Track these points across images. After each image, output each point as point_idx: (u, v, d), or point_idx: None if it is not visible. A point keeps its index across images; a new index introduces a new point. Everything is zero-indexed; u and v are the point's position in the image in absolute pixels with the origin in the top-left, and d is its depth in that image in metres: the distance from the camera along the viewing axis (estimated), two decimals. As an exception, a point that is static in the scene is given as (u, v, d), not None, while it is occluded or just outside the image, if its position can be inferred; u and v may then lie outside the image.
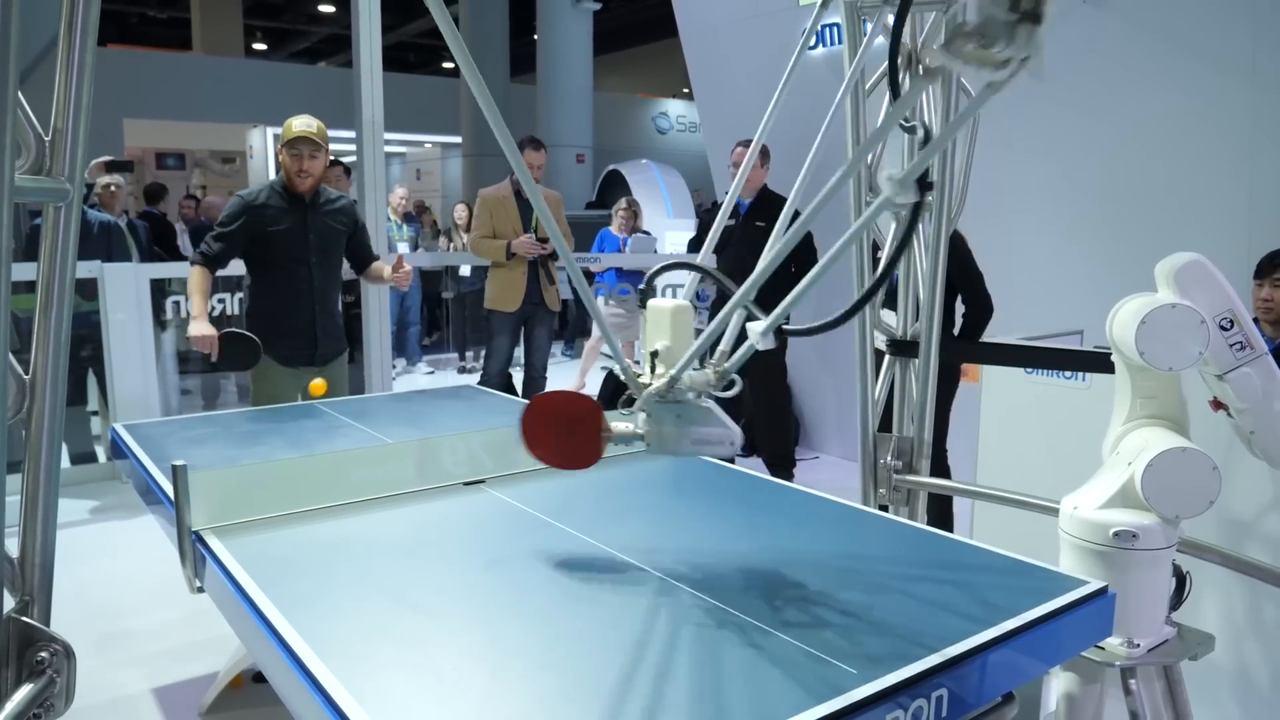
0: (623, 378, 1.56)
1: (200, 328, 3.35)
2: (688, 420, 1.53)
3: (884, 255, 2.62)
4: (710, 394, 1.52)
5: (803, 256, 4.61)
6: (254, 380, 3.64)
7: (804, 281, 1.28)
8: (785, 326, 1.38)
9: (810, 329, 1.45)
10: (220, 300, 5.55)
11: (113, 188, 5.67)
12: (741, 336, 1.47)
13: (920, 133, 1.78)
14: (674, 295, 5.72)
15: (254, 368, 3.52)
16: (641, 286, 1.63)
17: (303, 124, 3.57)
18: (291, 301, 3.59)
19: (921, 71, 2.16)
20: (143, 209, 9.17)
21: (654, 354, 1.55)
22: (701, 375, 1.51)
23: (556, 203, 5.48)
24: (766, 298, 1.36)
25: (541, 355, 5.50)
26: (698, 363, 1.51)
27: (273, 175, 4.23)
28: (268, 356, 3.54)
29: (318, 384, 3.46)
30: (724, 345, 1.55)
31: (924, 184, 1.20)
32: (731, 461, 4.57)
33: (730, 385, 1.50)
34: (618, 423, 1.62)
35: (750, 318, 1.40)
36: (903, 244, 2.15)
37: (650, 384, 1.54)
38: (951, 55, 1.00)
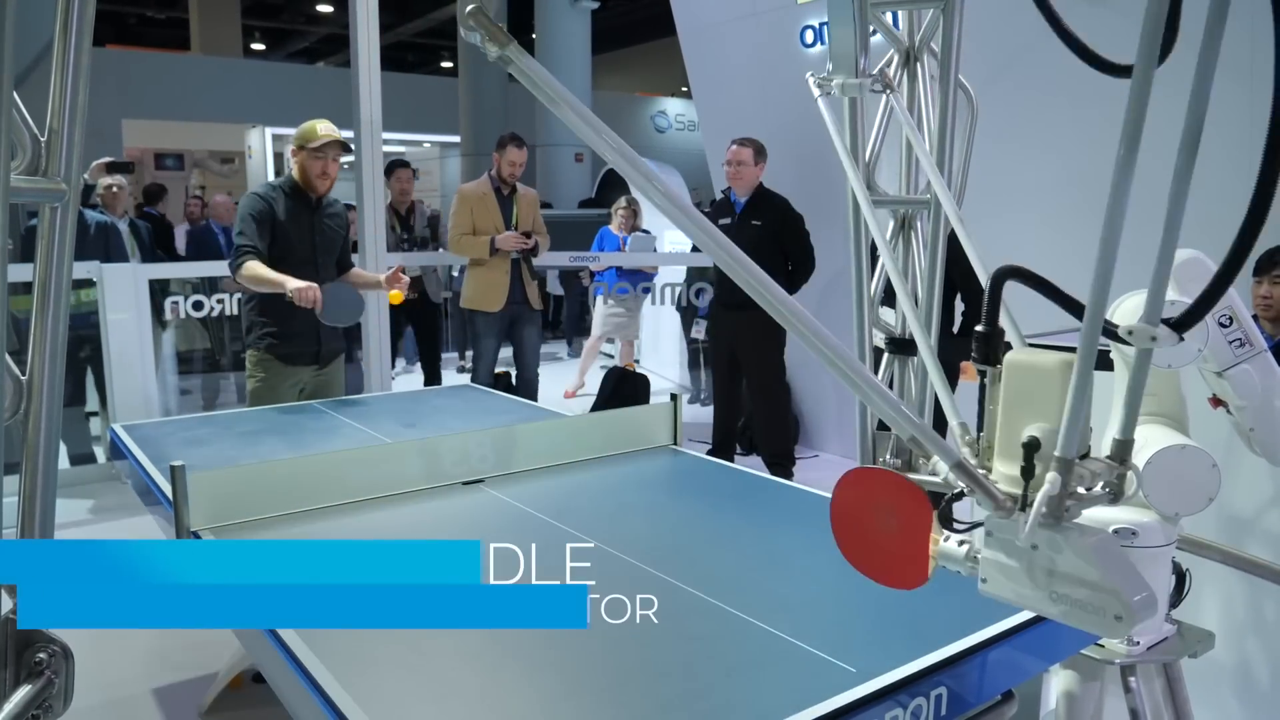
0: (962, 483, 1.03)
1: (297, 282, 3.30)
2: (1078, 563, 0.98)
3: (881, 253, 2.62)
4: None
5: (798, 253, 4.62)
6: (251, 379, 3.61)
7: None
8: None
9: None
10: (219, 300, 5.54)
11: (115, 188, 5.67)
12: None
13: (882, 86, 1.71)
14: (673, 295, 5.67)
15: (354, 323, 3.52)
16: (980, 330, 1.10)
17: (328, 128, 3.57)
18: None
19: (920, 69, 2.16)
20: (143, 210, 9.15)
21: (1031, 445, 1.00)
22: (1093, 467, 1.01)
23: (534, 200, 5.45)
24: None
25: (532, 355, 5.45)
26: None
27: (272, 176, 4.20)
28: (270, 355, 3.53)
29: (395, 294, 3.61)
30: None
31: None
32: (731, 459, 4.57)
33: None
34: (950, 542, 1.12)
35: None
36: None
37: (1015, 495, 1.01)
38: None
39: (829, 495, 1.12)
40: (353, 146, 3.64)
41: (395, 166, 6.82)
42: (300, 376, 3.62)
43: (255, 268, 3.41)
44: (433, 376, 6.65)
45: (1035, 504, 0.98)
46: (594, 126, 0.99)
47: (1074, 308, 1.02)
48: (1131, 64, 1.02)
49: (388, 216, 6.55)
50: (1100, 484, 1.02)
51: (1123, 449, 1.03)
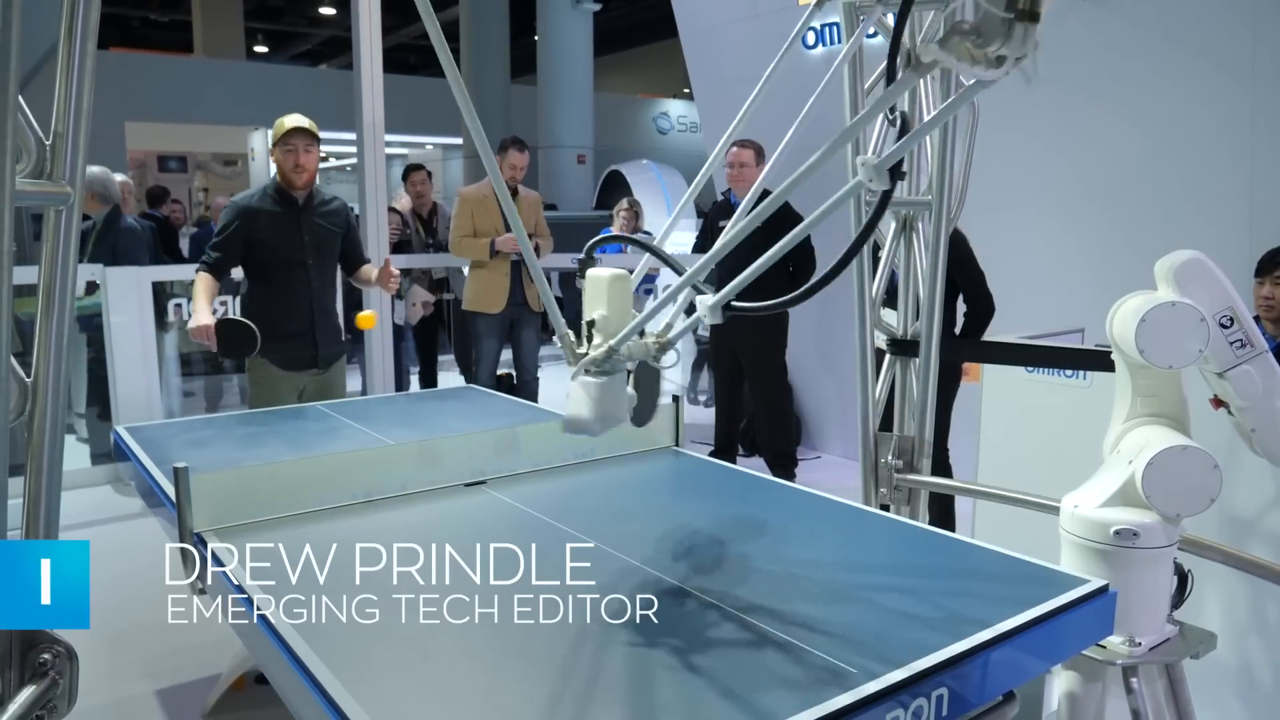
0: (559, 346, 1.53)
1: (198, 319, 3.30)
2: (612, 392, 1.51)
3: (883, 254, 2.62)
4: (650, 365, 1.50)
5: (800, 255, 4.61)
6: (252, 385, 3.61)
7: (762, 259, 1.27)
8: (736, 303, 1.33)
9: (761, 306, 1.36)
10: (222, 303, 5.52)
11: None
12: (690, 311, 1.46)
13: (899, 123, 1.75)
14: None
15: (251, 357, 3.45)
16: (580, 257, 1.59)
17: (294, 118, 3.54)
18: (289, 305, 3.55)
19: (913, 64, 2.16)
20: (144, 211, 9.16)
21: (590, 323, 1.50)
22: (640, 345, 1.47)
23: (535, 203, 5.45)
24: (753, 284, 1.30)
25: (531, 358, 5.46)
26: (638, 334, 1.47)
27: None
28: (267, 360, 3.52)
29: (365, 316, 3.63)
30: (670, 320, 1.51)
31: (895, 173, 1.18)
32: (733, 461, 4.57)
33: (666, 353, 1.47)
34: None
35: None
36: (867, 230, 2.11)
37: (587, 353, 1.50)
38: (946, 51, 1.00)
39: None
40: (315, 134, 3.57)
41: (410, 170, 6.81)
42: (299, 381, 3.60)
43: (197, 284, 3.43)
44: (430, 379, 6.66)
45: (589, 354, 1.49)
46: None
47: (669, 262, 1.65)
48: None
49: (411, 221, 6.54)
50: (640, 355, 1.48)
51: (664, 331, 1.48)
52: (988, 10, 0.96)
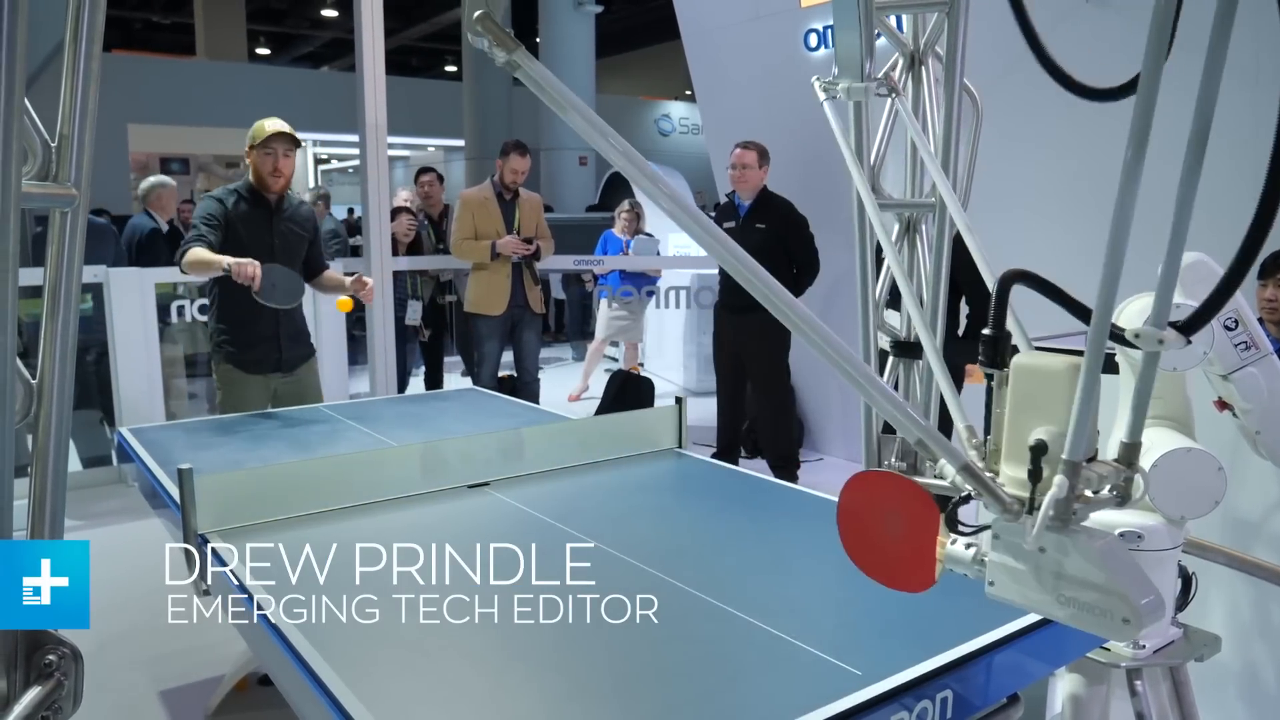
0: (969, 486, 1.02)
1: (234, 259, 3.19)
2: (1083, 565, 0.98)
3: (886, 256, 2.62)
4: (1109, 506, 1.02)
5: (802, 256, 4.62)
6: (219, 388, 3.56)
7: None
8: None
9: None
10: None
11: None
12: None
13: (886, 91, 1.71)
14: (677, 299, 5.67)
15: (294, 305, 3.42)
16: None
17: (275, 123, 3.47)
18: (255, 308, 3.41)
19: (925, 73, 2.16)
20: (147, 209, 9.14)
21: (1038, 448, 0.99)
22: (1100, 470, 1.00)
23: (537, 205, 5.46)
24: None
25: (532, 359, 5.47)
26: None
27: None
28: (231, 365, 3.48)
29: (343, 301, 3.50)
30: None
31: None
32: (736, 462, 4.57)
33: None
34: (957, 545, 1.13)
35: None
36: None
37: (1022, 498, 1.00)
38: None
39: (834, 498, 1.12)
40: (296, 140, 3.52)
41: (419, 173, 6.80)
42: (267, 384, 3.55)
43: (197, 252, 3.28)
44: (435, 380, 6.65)
45: (1043, 507, 0.97)
46: (600, 130, 0.99)
47: (1080, 311, 1.02)
48: (1107, 87, 1.02)
49: (423, 224, 6.54)
50: (1107, 487, 1.02)
51: (1130, 452, 1.03)
52: None
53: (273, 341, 3.54)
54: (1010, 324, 1.13)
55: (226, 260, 3.19)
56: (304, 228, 3.64)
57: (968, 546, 1.11)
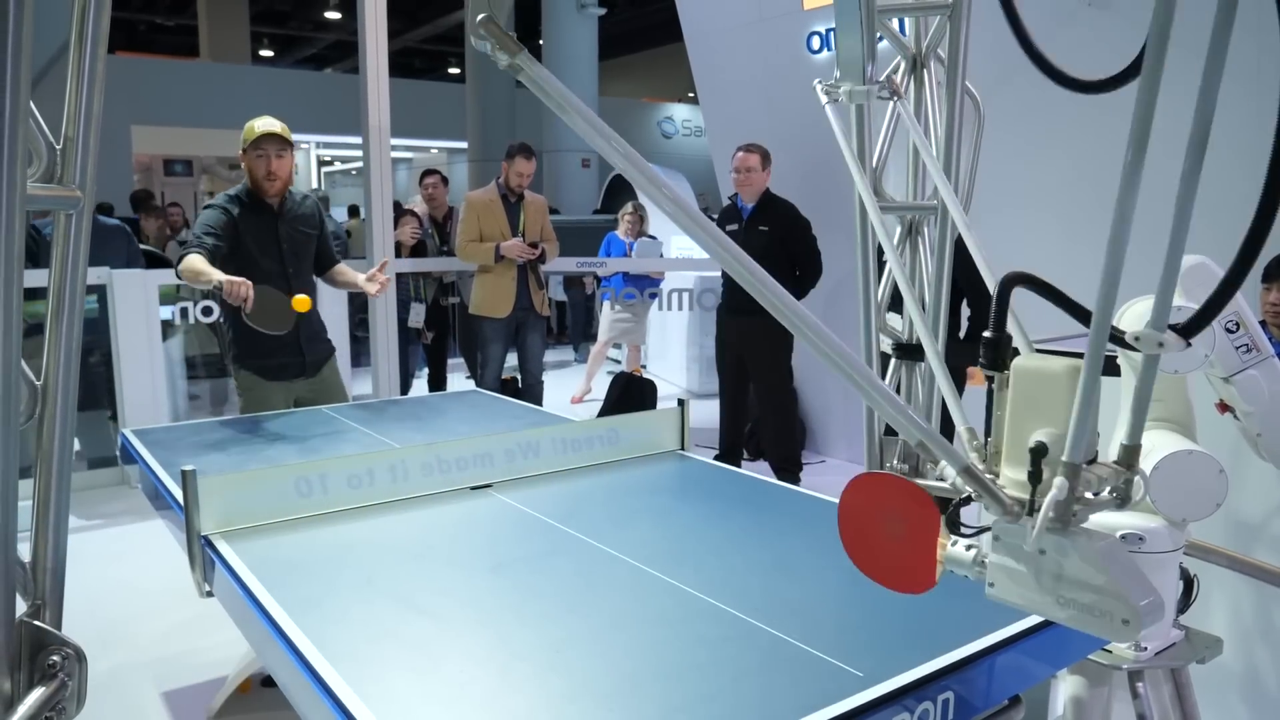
0: (970, 488, 1.02)
1: (227, 277, 3.01)
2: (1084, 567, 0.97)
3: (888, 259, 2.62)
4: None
5: (805, 259, 4.62)
6: (241, 395, 3.50)
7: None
8: None
9: None
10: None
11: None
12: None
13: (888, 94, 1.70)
14: (680, 301, 5.65)
15: (283, 331, 3.22)
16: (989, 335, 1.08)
17: (266, 122, 3.35)
18: None
19: (927, 76, 2.16)
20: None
21: (1038, 450, 0.99)
22: (1100, 472, 1.00)
23: (542, 207, 5.47)
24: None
25: (536, 361, 5.48)
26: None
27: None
28: (252, 372, 3.41)
29: (301, 299, 3.22)
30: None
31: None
32: (738, 464, 4.57)
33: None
34: (958, 547, 1.12)
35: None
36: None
37: (1023, 500, 1.00)
38: None
39: (836, 500, 1.13)
40: (289, 139, 3.39)
41: (424, 175, 6.79)
42: (290, 390, 3.49)
43: (194, 261, 3.11)
44: (439, 382, 6.66)
45: (1043, 509, 0.97)
46: (604, 134, 1.00)
47: (1081, 314, 1.03)
48: (1100, 79, 1.03)
49: (428, 232, 6.53)
50: (1108, 489, 1.03)
51: (1130, 454, 1.03)
52: None
53: (294, 346, 3.45)
54: (1011, 326, 1.14)
55: (219, 276, 3.03)
56: (310, 225, 3.54)
57: (968, 548, 1.11)
